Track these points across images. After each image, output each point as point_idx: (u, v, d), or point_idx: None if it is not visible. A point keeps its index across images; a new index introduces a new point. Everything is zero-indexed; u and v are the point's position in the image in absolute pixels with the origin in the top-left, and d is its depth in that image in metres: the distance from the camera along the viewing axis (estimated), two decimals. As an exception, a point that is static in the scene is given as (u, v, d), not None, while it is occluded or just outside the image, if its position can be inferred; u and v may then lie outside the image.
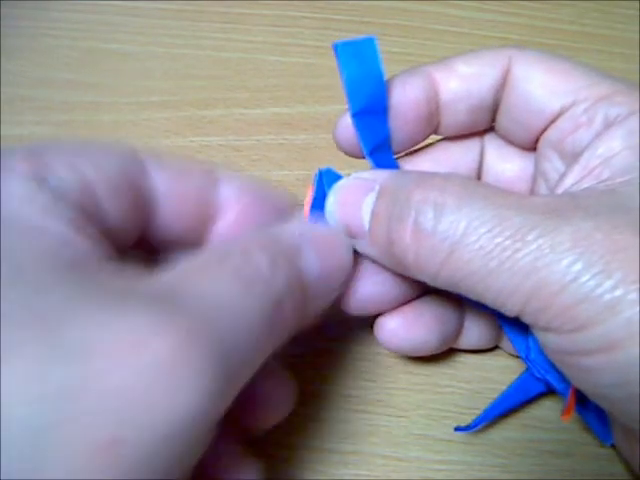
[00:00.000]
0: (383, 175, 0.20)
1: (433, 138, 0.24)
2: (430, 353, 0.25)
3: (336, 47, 0.20)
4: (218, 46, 0.37)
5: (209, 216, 0.21)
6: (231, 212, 0.21)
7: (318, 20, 0.39)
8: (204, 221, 0.21)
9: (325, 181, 0.21)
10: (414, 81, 0.22)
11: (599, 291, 0.16)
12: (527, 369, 0.24)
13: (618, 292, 0.16)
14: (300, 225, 0.20)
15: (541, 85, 0.21)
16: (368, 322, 0.27)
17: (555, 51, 0.22)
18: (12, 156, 0.17)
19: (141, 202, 0.19)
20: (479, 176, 0.25)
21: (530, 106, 0.21)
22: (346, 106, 0.21)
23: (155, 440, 0.13)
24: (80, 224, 0.16)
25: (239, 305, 0.16)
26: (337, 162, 0.25)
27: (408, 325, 0.23)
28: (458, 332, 0.25)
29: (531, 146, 0.23)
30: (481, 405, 0.26)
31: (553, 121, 0.21)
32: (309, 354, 0.27)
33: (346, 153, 0.23)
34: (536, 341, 0.22)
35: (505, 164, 0.24)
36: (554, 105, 0.21)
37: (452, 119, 0.22)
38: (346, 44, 0.20)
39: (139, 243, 0.21)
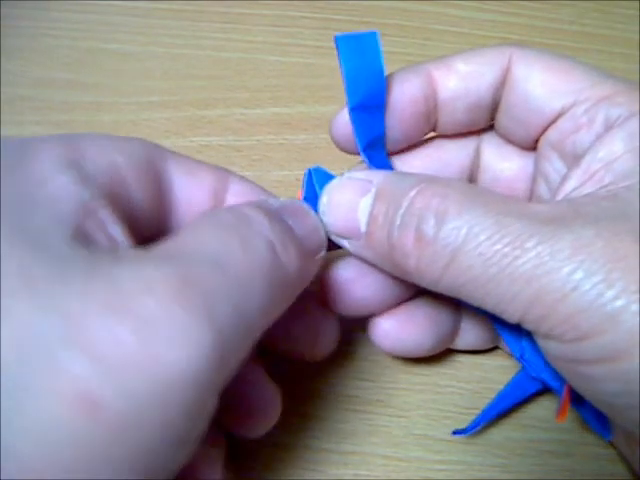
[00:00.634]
0: (379, 176, 0.20)
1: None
2: (425, 354, 0.25)
3: (337, 40, 0.20)
4: (218, 46, 0.37)
5: None
6: None
7: (318, 20, 0.39)
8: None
9: (316, 180, 0.21)
10: (412, 79, 0.21)
11: (601, 301, 0.16)
12: (522, 368, 0.24)
13: (620, 302, 0.16)
14: (272, 200, 0.20)
15: (541, 84, 0.21)
16: (368, 322, 0.27)
17: (555, 51, 0.22)
18: (46, 141, 0.17)
19: (162, 192, 0.20)
20: (473, 174, 0.24)
21: (530, 105, 0.21)
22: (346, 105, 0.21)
23: (135, 404, 0.13)
24: (100, 203, 0.16)
25: (233, 258, 0.15)
26: (337, 162, 0.25)
27: (402, 326, 0.23)
28: (454, 333, 0.25)
29: (531, 146, 0.23)
30: (481, 405, 0.26)
31: (554, 121, 0.21)
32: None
33: (341, 149, 0.23)
34: (530, 341, 0.22)
35: (504, 163, 0.24)
36: (554, 105, 0.21)
37: (450, 117, 0.22)
38: (347, 37, 0.20)
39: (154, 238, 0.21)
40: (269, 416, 0.21)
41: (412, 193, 0.19)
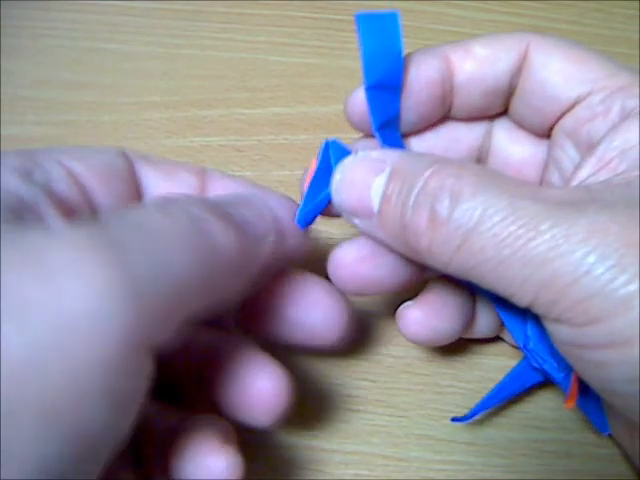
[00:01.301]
0: (393, 156, 0.20)
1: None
2: (448, 342, 0.24)
3: (358, 18, 0.20)
4: (218, 46, 0.37)
5: None
6: None
7: (319, 20, 0.39)
8: None
9: (332, 153, 0.21)
10: (430, 60, 0.21)
11: (613, 285, 0.16)
12: (524, 358, 0.24)
13: (632, 287, 0.15)
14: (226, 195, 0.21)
15: (559, 72, 0.21)
16: (368, 323, 0.27)
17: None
18: (6, 154, 0.18)
19: (130, 191, 0.21)
20: (482, 157, 0.24)
21: (546, 93, 0.21)
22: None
23: (39, 339, 0.12)
24: (43, 201, 0.17)
25: (154, 222, 0.16)
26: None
27: (429, 315, 0.23)
28: (472, 320, 0.25)
29: (544, 133, 0.23)
30: (482, 405, 0.26)
31: (569, 109, 0.21)
32: (309, 354, 0.27)
33: (354, 127, 0.23)
34: (534, 330, 0.22)
35: (515, 147, 0.24)
36: (571, 93, 0.21)
37: (465, 101, 0.22)
38: (368, 16, 0.20)
39: None
40: (271, 401, 0.21)
41: (427, 173, 0.18)
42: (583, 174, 0.19)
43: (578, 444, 0.25)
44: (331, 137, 0.23)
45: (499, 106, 0.23)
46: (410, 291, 0.24)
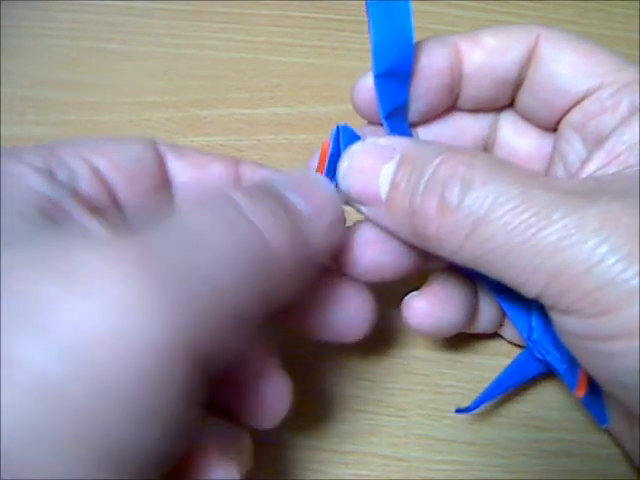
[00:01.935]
0: (402, 143, 0.20)
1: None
2: (452, 334, 0.24)
3: (368, 5, 0.19)
4: (218, 46, 0.37)
5: None
6: None
7: (319, 20, 0.39)
8: None
9: (342, 139, 0.21)
10: (440, 49, 0.21)
11: (624, 276, 0.16)
12: (525, 349, 0.24)
13: None
14: (276, 176, 0.20)
15: (568, 65, 0.21)
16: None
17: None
18: (26, 151, 0.17)
19: (159, 187, 0.20)
20: (489, 148, 0.24)
21: (555, 86, 0.21)
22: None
23: (93, 373, 0.12)
24: (69, 202, 0.17)
25: (208, 233, 0.15)
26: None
27: (438, 303, 0.23)
28: (476, 313, 0.25)
29: (551, 126, 0.23)
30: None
31: (578, 103, 0.21)
32: (309, 354, 0.27)
33: (361, 115, 0.23)
34: (539, 321, 0.22)
35: (521, 140, 0.24)
36: (580, 86, 0.21)
37: (473, 91, 0.22)
38: (379, 3, 0.19)
39: None
40: (278, 407, 0.21)
41: (437, 160, 0.18)
42: (592, 167, 0.19)
43: (578, 444, 0.25)
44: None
45: (506, 97, 0.23)
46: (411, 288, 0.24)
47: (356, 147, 0.20)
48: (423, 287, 0.23)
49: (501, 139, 0.24)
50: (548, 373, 0.24)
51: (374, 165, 0.20)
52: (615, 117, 0.20)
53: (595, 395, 0.23)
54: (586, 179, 0.19)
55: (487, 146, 0.24)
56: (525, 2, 0.40)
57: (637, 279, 0.16)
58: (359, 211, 0.21)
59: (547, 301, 0.18)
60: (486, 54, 0.22)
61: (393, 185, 0.19)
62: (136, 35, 0.38)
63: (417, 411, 0.26)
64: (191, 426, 0.15)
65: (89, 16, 0.38)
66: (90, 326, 0.12)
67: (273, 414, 0.21)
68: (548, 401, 0.26)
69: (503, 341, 0.27)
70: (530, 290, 0.18)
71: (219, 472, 0.18)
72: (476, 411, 0.25)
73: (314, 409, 0.26)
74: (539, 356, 0.23)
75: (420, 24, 0.38)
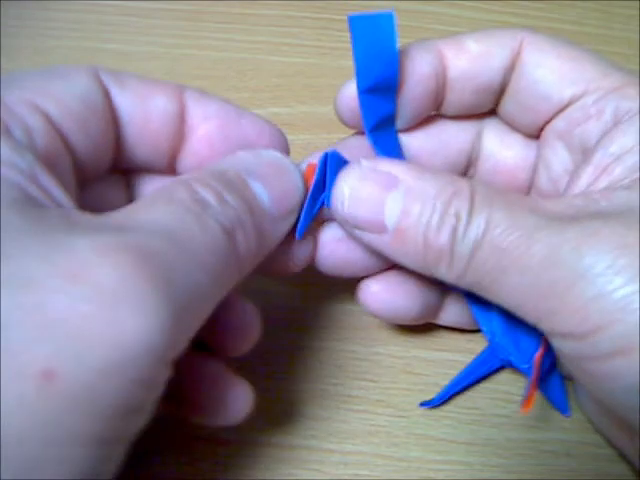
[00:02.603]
0: (402, 170, 0.19)
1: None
2: (410, 322, 0.25)
3: (350, 20, 0.19)
4: (218, 46, 0.37)
5: (177, 136, 0.21)
6: (200, 132, 0.21)
7: (319, 20, 0.39)
8: (172, 142, 0.21)
9: (329, 165, 0.20)
10: (424, 55, 0.21)
11: (609, 288, 0.16)
12: (489, 345, 0.25)
13: (630, 288, 0.15)
14: (244, 157, 0.20)
15: (552, 71, 0.21)
16: (368, 322, 0.27)
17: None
18: None
19: (107, 126, 0.19)
20: (472, 160, 0.24)
21: (539, 92, 0.21)
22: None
23: (92, 373, 0.13)
24: (39, 170, 0.16)
25: (188, 235, 0.15)
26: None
27: (391, 290, 0.23)
28: (439, 306, 0.25)
29: (534, 133, 0.22)
30: (481, 404, 0.26)
31: (562, 110, 0.21)
32: (309, 354, 0.27)
33: (345, 124, 0.23)
34: (500, 324, 0.23)
35: (505, 152, 0.24)
36: (564, 93, 0.21)
37: (457, 97, 0.22)
38: (361, 18, 0.19)
39: (115, 169, 0.21)
40: (250, 334, 0.21)
41: (447, 195, 0.19)
42: (582, 183, 0.19)
43: (577, 444, 0.25)
44: (331, 136, 0.23)
45: (489, 104, 0.23)
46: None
47: (355, 173, 0.20)
48: (381, 273, 0.24)
49: (485, 151, 0.24)
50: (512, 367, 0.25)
51: (378, 193, 0.19)
52: (599, 125, 0.20)
53: (556, 385, 0.24)
54: (574, 197, 0.19)
55: (471, 158, 0.24)
56: (525, 2, 0.40)
57: (623, 290, 0.16)
58: (353, 234, 0.21)
59: (545, 327, 0.18)
60: (470, 60, 0.21)
61: (403, 217, 0.19)
62: (136, 35, 0.38)
63: (417, 411, 0.26)
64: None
65: (89, 16, 0.38)
66: (91, 320, 0.13)
67: (245, 341, 0.21)
68: (547, 401, 0.26)
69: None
70: (527, 314, 0.18)
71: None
72: (477, 411, 0.25)
73: (314, 409, 0.26)
74: (502, 357, 0.24)
75: (420, 24, 0.39)
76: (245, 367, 0.22)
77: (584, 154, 0.21)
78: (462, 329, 0.27)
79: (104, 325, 0.13)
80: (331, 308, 0.28)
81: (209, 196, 0.17)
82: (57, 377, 0.12)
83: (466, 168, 0.24)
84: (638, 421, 0.17)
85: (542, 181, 0.22)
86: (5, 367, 0.12)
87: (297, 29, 0.38)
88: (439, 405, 0.26)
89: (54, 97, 0.18)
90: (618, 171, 0.19)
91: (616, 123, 0.19)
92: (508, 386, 0.26)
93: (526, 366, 0.23)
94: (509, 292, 0.18)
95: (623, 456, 0.24)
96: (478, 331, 0.27)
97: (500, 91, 0.22)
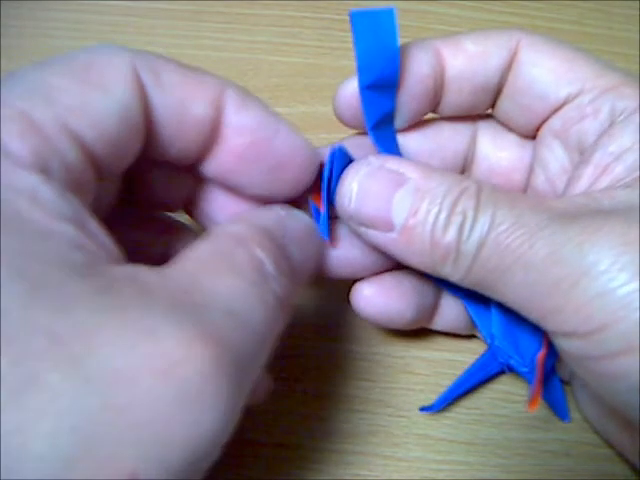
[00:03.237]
0: (411, 168, 0.20)
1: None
2: (403, 326, 0.24)
3: (352, 16, 0.19)
4: (218, 46, 0.37)
5: (207, 143, 0.19)
6: (231, 144, 0.19)
7: (319, 20, 0.39)
8: (200, 148, 0.19)
9: (336, 161, 0.20)
10: (422, 55, 0.21)
11: (612, 285, 0.16)
12: (489, 349, 0.25)
13: (633, 286, 0.15)
14: (283, 218, 0.20)
15: (548, 71, 0.21)
16: (369, 322, 0.27)
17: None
18: (4, 126, 0.14)
19: (139, 136, 0.18)
20: (467, 162, 0.24)
21: (535, 91, 0.21)
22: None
23: (169, 475, 0.12)
24: (85, 215, 0.15)
25: (250, 312, 0.15)
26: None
27: (384, 293, 0.23)
28: (433, 310, 0.25)
29: (531, 134, 0.23)
30: (481, 404, 0.26)
31: (558, 109, 0.21)
32: (309, 354, 0.27)
33: (345, 124, 0.23)
34: (500, 328, 0.23)
35: (501, 153, 0.24)
36: (560, 92, 0.21)
37: (454, 97, 0.22)
38: (363, 14, 0.19)
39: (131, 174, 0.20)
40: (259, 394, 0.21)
41: (455, 194, 0.19)
42: (583, 183, 0.20)
43: (577, 444, 0.25)
44: (331, 136, 0.23)
45: (486, 105, 0.23)
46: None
47: (364, 171, 0.20)
48: (375, 276, 0.24)
49: (480, 153, 0.24)
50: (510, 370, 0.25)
51: (385, 190, 0.19)
52: (596, 123, 0.20)
53: (556, 391, 0.23)
54: (576, 197, 0.19)
55: (467, 161, 0.24)
56: (525, 2, 0.40)
57: (626, 287, 0.16)
58: (357, 231, 0.21)
59: (549, 326, 0.18)
60: (467, 60, 0.22)
61: (411, 215, 0.19)
62: (137, 35, 0.38)
63: (417, 411, 0.26)
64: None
65: (90, 16, 0.38)
66: (162, 424, 0.12)
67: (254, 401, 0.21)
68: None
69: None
70: (531, 312, 0.18)
71: None
72: (477, 411, 0.25)
73: (314, 409, 0.26)
74: (502, 360, 0.23)
75: (420, 24, 0.39)
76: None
77: (581, 153, 0.21)
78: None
79: (186, 427, 0.13)
80: (331, 308, 0.28)
81: (266, 260, 0.17)
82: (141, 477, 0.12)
83: (462, 170, 0.24)
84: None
85: (539, 181, 0.22)
86: (95, 470, 0.12)
87: (297, 29, 0.38)
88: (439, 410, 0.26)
89: (90, 118, 0.16)
90: (618, 170, 0.19)
91: (613, 122, 0.20)
92: (508, 386, 0.26)
93: (526, 369, 0.23)
94: (513, 290, 0.18)
95: (622, 456, 0.24)
96: (474, 336, 0.27)
97: (497, 91, 0.22)
